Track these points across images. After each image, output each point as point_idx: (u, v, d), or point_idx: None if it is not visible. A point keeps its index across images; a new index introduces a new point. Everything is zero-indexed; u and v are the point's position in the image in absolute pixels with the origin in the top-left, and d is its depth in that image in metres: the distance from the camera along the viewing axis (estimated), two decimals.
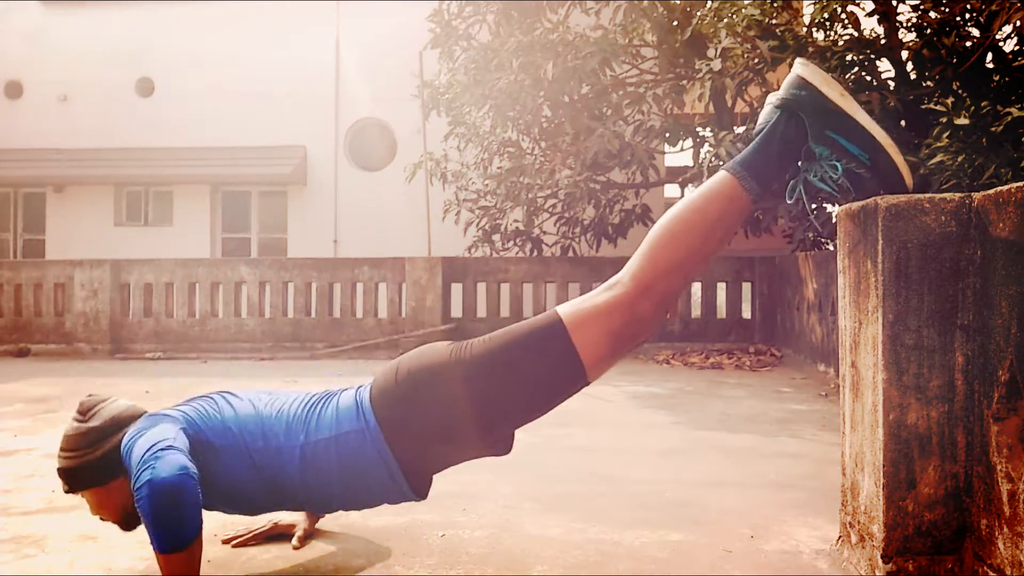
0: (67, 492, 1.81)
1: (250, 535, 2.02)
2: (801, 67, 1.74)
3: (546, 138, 7.99)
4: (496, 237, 8.43)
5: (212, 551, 1.95)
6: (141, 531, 2.09)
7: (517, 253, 8.36)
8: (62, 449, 1.79)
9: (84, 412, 1.81)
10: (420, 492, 1.81)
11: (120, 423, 1.79)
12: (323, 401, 1.79)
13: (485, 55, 7.58)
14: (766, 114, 1.76)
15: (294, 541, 1.99)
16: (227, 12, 13.79)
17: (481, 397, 1.68)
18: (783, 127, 1.71)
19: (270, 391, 1.91)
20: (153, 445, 1.55)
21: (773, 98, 1.76)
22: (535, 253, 8.27)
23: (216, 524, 2.15)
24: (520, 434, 3.40)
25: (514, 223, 8.41)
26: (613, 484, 2.61)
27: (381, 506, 2.32)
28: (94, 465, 1.76)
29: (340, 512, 2.26)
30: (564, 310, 1.70)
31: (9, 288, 7.69)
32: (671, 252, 1.67)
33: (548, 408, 1.76)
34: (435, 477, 2.67)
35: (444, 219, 8.73)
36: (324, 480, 1.73)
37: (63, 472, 1.78)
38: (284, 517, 2.09)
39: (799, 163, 1.74)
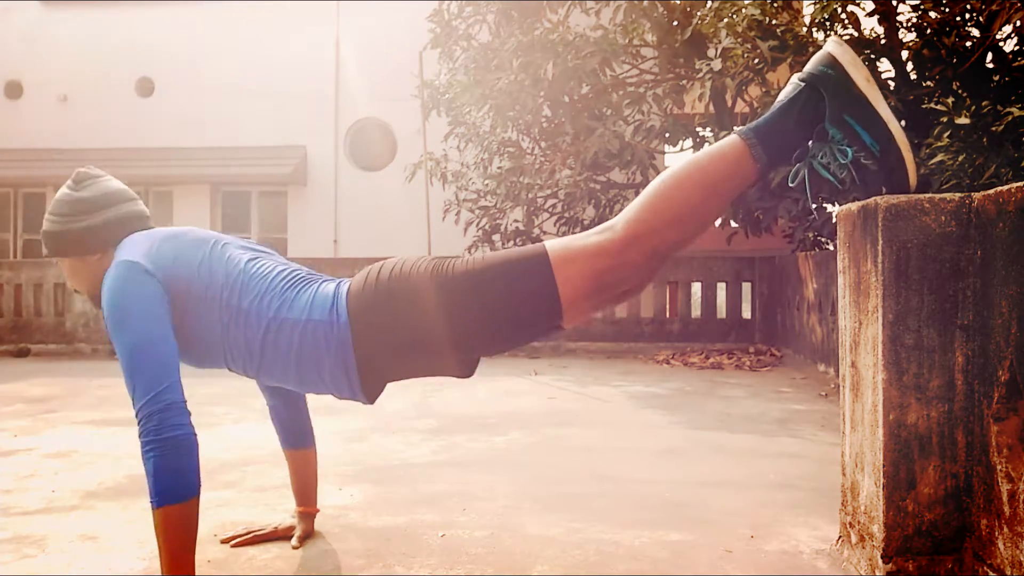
0: (46, 256, 1.85)
1: (250, 536, 2.02)
2: (834, 45, 1.73)
3: (546, 138, 8.00)
4: (496, 237, 8.43)
5: (212, 551, 1.95)
6: (141, 530, 2.09)
7: None
8: (49, 212, 1.81)
9: (78, 181, 1.83)
10: (370, 396, 1.79)
11: (111, 199, 1.81)
12: (305, 283, 1.79)
13: (485, 55, 7.58)
14: (789, 88, 1.75)
15: (293, 541, 1.99)
16: (227, 12, 13.79)
17: (454, 312, 1.67)
18: (803, 101, 1.70)
19: (263, 249, 1.92)
20: (156, 394, 1.55)
21: (801, 73, 1.76)
22: None
23: (216, 524, 2.15)
24: (520, 434, 3.42)
25: (514, 223, 8.41)
26: (613, 484, 2.61)
27: (381, 509, 2.33)
28: (76, 235, 1.78)
29: (340, 512, 2.26)
30: (552, 244, 1.68)
31: (9, 288, 7.69)
32: (668, 206, 1.65)
33: (518, 341, 1.75)
34: (434, 476, 2.68)
35: (444, 219, 8.73)
36: (279, 356, 1.74)
37: (45, 235, 1.81)
38: (284, 520, 2.09)
39: (810, 143, 1.73)
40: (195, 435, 1.56)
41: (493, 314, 1.69)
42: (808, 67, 1.74)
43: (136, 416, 1.56)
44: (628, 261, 1.64)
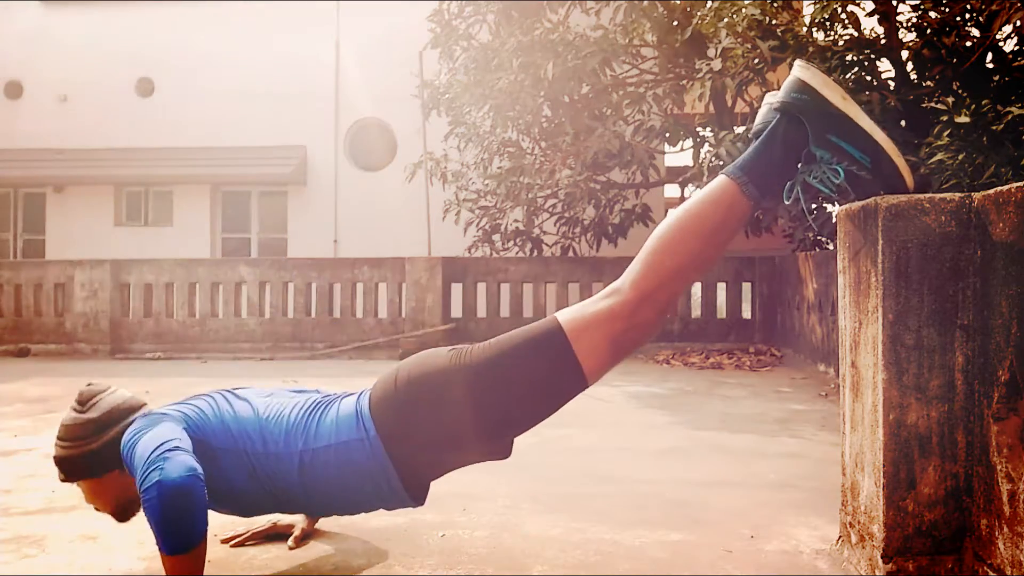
0: (62, 481, 1.81)
1: (249, 535, 2.02)
2: (801, 70, 1.72)
3: (546, 138, 7.99)
4: (496, 237, 8.43)
5: (212, 551, 1.94)
6: (141, 531, 2.09)
7: (517, 253, 8.36)
8: (59, 438, 1.79)
9: (83, 402, 1.82)
10: (418, 499, 1.81)
11: (119, 415, 1.80)
12: (323, 407, 1.79)
13: (485, 55, 7.58)
14: (764, 115, 1.75)
15: (290, 541, 1.99)
16: (227, 12, 13.79)
17: (481, 405, 1.68)
18: (783, 131, 1.70)
19: (271, 392, 1.91)
20: (159, 445, 1.54)
21: (772, 99, 1.75)
22: (535, 253, 8.27)
23: (216, 524, 2.14)
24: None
25: (514, 223, 8.41)
26: (613, 484, 2.61)
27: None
28: (91, 456, 1.76)
29: None
30: (564, 317, 1.70)
31: (9, 288, 7.69)
32: (671, 259, 1.67)
33: (548, 414, 1.77)
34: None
35: (444, 219, 8.73)
36: (322, 487, 1.73)
37: (60, 461, 1.79)
38: (283, 517, 2.09)
39: (798, 165, 1.73)
40: (199, 476, 1.50)
41: (520, 397, 1.70)
42: (780, 95, 1.73)
43: (139, 479, 1.51)
44: (640, 321, 1.67)
